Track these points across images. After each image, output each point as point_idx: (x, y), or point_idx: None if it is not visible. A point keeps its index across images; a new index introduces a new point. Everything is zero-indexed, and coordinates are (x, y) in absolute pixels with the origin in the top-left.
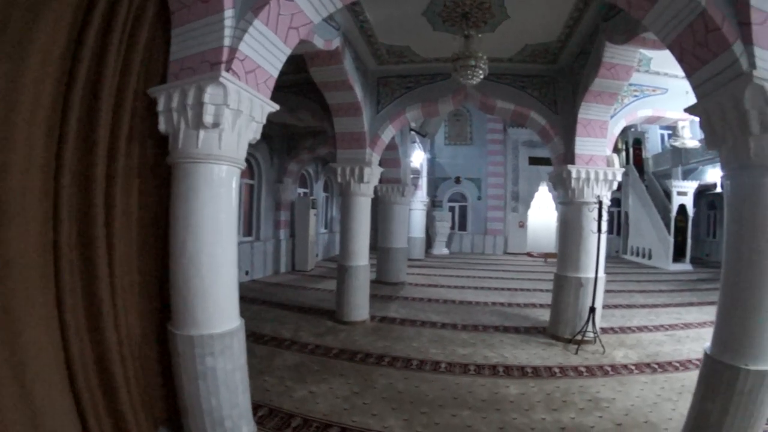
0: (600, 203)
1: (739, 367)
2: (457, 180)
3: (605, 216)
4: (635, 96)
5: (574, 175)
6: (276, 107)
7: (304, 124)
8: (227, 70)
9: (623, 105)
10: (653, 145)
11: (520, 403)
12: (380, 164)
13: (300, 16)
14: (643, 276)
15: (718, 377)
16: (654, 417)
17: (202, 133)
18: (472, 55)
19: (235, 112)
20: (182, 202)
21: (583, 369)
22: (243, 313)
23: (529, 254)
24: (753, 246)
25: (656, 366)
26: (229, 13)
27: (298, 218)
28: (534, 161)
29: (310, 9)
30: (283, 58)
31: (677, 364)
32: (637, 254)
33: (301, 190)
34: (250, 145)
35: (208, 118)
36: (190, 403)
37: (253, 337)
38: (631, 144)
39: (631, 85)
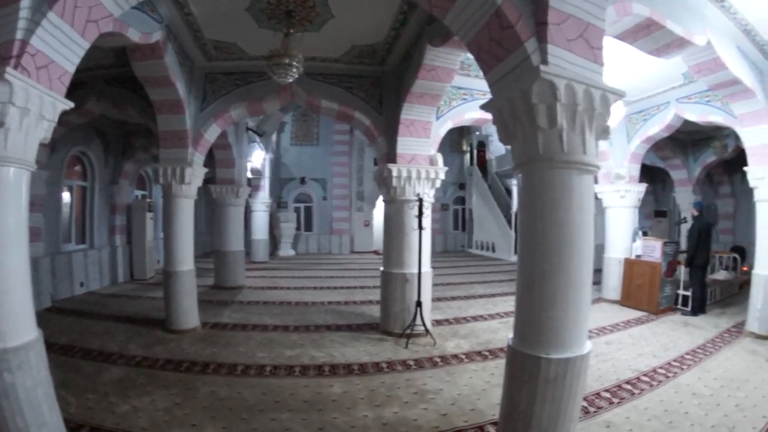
0: (420, 201)
1: (540, 357)
2: (303, 180)
3: (427, 213)
4: (464, 99)
5: (395, 173)
6: (70, 105)
7: (135, 120)
8: (16, 67)
9: (451, 107)
10: (497, 147)
11: (343, 401)
12: (215, 164)
13: (99, 8)
14: (486, 268)
15: (522, 367)
16: (481, 404)
17: None
18: (286, 53)
19: (23, 110)
20: None
21: (411, 362)
22: (73, 327)
23: (375, 252)
24: (544, 237)
25: (487, 353)
26: (24, 3)
27: (135, 223)
28: None
29: (109, 1)
30: (81, 53)
31: None
32: (482, 248)
33: (139, 193)
34: (83, 144)
35: None
36: None
37: (81, 353)
38: (476, 146)
39: (460, 88)
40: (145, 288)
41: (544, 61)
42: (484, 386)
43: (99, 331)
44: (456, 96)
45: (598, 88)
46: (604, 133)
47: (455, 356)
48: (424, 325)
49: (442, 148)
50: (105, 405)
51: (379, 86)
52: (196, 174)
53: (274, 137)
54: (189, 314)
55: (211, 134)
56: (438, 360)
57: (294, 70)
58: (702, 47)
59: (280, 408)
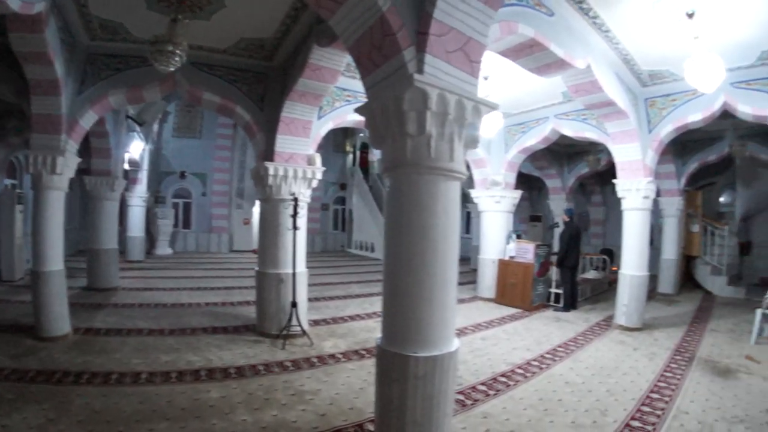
0: (296, 200)
1: (409, 355)
2: (182, 175)
3: (302, 213)
4: (347, 101)
5: (271, 172)
6: None
7: (8, 100)
8: None
9: (334, 107)
10: None
11: (221, 406)
12: (90, 154)
13: None
14: (364, 268)
15: (391, 366)
16: (360, 402)
17: None
18: (171, 40)
19: None
20: None
21: (288, 364)
22: None
23: (254, 251)
24: (410, 240)
25: (365, 352)
26: None
27: (3, 216)
28: None
29: None
30: None
31: None
32: (361, 248)
33: (9, 182)
34: None
35: None
36: None
37: None
38: (359, 147)
39: (344, 90)
40: (13, 290)
41: (420, 70)
42: (362, 385)
43: None
44: (340, 97)
45: (470, 100)
46: (473, 142)
47: (332, 356)
48: (300, 325)
49: (325, 148)
50: None
51: (264, 82)
52: (68, 164)
53: (155, 127)
54: (60, 319)
55: (87, 121)
56: (315, 360)
57: (177, 58)
58: (582, 70)
59: (157, 417)
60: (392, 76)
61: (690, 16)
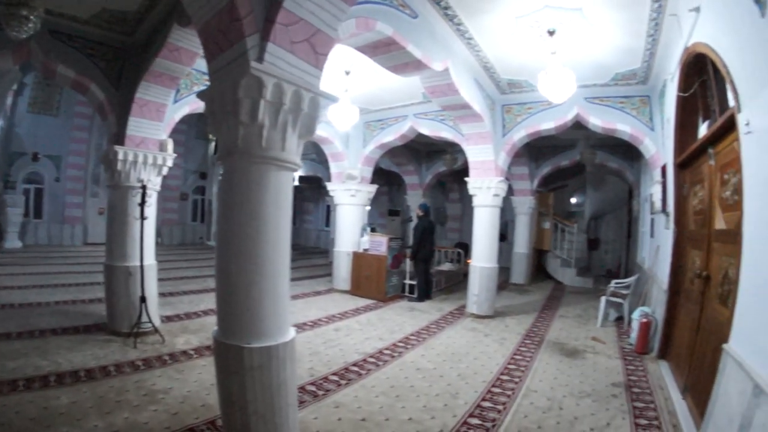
0: (144, 188)
1: (242, 346)
2: (35, 157)
3: (150, 201)
4: (206, 85)
5: (120, 156)
6: None
7: None
8: None
9: (192, 91)
10: None
11: (73, 413)
12: None
13: None
14: None
15: (227, 358)
16: (211, 399)
17: None
18: (26, 3)
19: None
20: None
21: (140, 363)
22: None
23: None
24: (240, 230)
25: None
26: None
27: None
28: None
29: None
30: None
31: None
32: None
33: None
34: None
35: None
36: None
37: None
38: None
39: (204, 74)
40: None
41: (260, 59)
42: (214, 380)
43: None
44: (199, 81)
45: (309, 91)
46: (308, 133)
47: (184, 353)
48: (151, 321)
49: (187, 134)
50: None
51: (122, 59)
52: None
53: (8, 101)
54: None
55: None
56: (167, 358)
57: (30, 25)
58: (439, 72)
59: (5, 431)
60: (233, 63)
61: (551, 33)
